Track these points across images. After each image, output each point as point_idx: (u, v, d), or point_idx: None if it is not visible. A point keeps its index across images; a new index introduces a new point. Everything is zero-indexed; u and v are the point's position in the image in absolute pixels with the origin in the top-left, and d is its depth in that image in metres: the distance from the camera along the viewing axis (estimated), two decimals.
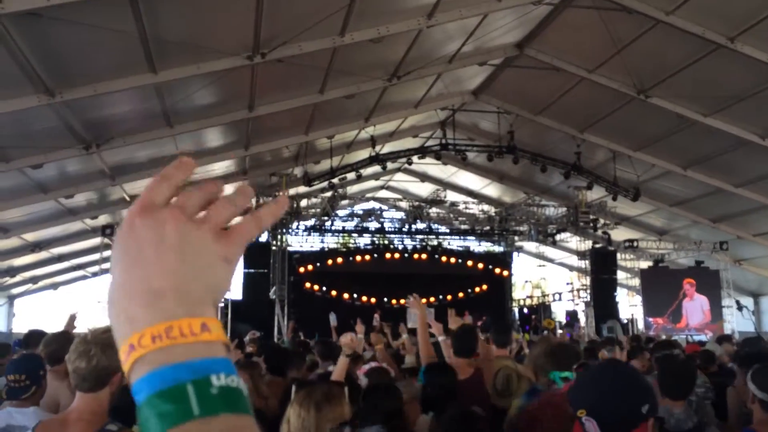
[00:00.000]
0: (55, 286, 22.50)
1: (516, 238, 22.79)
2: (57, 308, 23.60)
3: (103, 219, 16.74)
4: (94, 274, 17.69)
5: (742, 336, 13.67)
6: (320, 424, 2.36)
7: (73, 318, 6.09)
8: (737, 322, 19.06)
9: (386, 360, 5.76)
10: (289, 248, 19.33)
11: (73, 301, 23.15)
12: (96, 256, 16.98)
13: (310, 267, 20.36)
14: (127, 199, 16.12)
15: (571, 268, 25.17)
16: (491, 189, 22.17)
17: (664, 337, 14.84)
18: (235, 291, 18.03)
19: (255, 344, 10.01)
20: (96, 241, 17.09)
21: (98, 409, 2.26)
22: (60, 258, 19.28)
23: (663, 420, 3.22)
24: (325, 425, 2.36)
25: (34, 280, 20.81)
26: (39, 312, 22.16)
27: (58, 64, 9.27)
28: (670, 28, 10.88)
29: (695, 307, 19.65)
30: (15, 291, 21.44)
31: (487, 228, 21.16)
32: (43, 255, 18.06)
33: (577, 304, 21.47)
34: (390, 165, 18.27)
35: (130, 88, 10.18)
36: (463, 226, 21.42)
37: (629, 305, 22.97)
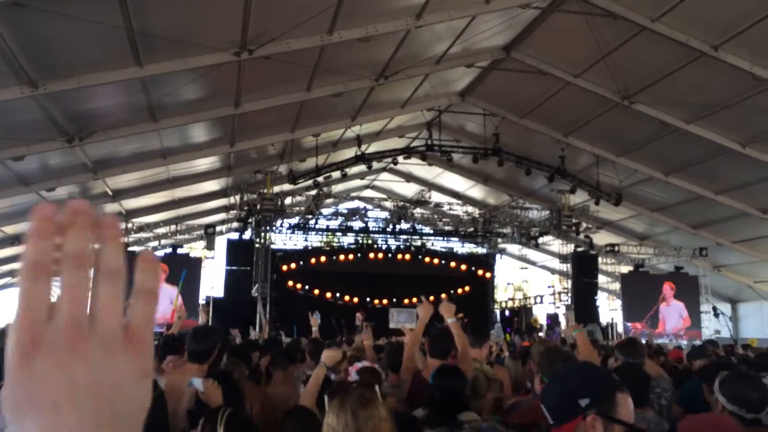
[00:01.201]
0: None
1: (499, 240, 22.90)
2: None
3: None
4: None
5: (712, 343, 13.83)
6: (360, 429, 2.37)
7: None
8: (715, 328, 19.32)
9: (375, 359, 5.75)
10: (272, 246, 19.26)
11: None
12: None
13: (293, 265, 20.31)
14: (110, 193, 15.98)
15: (553, 271, 25.37)
16: (476, 191, 22.27)
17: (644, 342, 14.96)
18: (218, 289, 17.97)
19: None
20: None
21: None
22: None
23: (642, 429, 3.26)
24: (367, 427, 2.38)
25: (13, 273, 20.55)
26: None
27: (43, 56, 9.16)
28: (656, 35, 11.00)
29: (673, 312, 19.88)
30: None
31: (471, 229, 21.26)
32: (22, 249, 17.80)
33: (558, 307, 21.63)
34: (375, 164, 18.29)
35: (115, 82, 10.09)
36: (447, 228, 21.50)
37: (609, 309, 23.19)
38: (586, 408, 1.92)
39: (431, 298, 5.08)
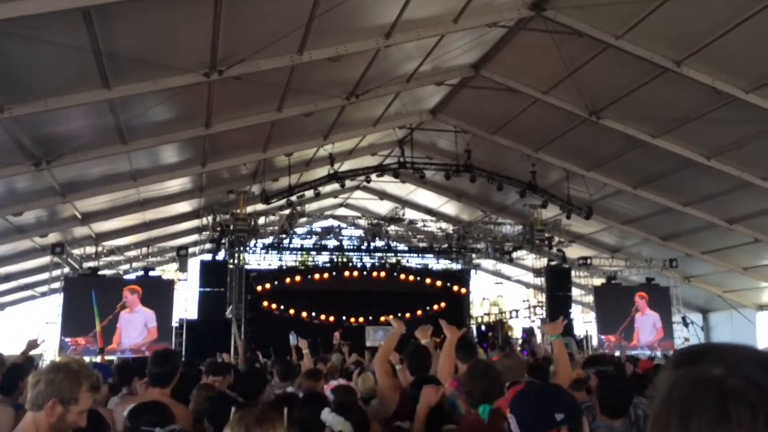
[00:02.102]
0: (1, 306, 21.74)
1: (474, 255, 23.02)
2: (3, 329, 22.80)
3: (53, 237, 16.30)
4: (43, 294, 17.17)
5: None
6: None
7: (31, 345, 6.17)
8: (684, 336, 19.59)
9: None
10: (246, 266, 19.11)
11: (20, 322, 22.44)
12: (45, 276, 16.50)
13: (267, 285, 20.16)
14: (79, 216, 15.75)
15: (527, 285, 25.51)
16: (449, 207, 22.39)
17: (618, 354, 15.10)
18: (191, 311, 17.75)
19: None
20: (45, 260, 16.61)
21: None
22: (7, 278, 18.68)
23: None
24: None
25: None
26: None
27: (8, 79, 9.05)
28: (620, 52, 11.23)
29: (646, 322, 20.09)
30: None
31: (445, 246, 21.33)
32: None
33: (533, 321, 21.74)
34: (349, 183, 18.30)
35: (83, 104, 9.99)
36: (421, 244, 21.55)
37: (584, 322, 23.36)
38: (561, 422, 1.97)
39: (407, 315, 5.08)
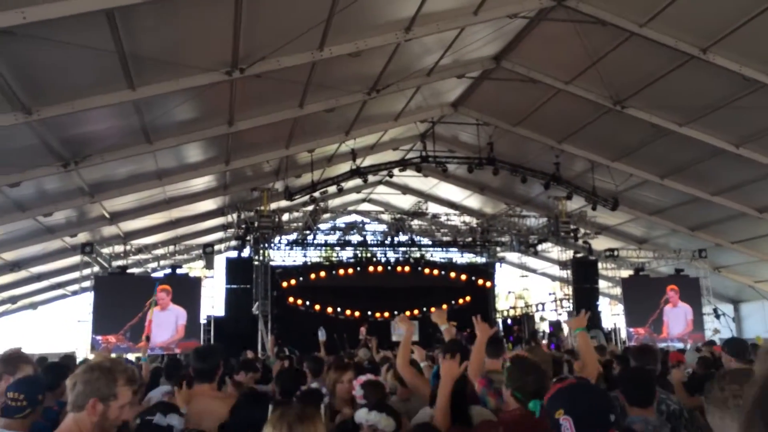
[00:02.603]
0: (34, 305, 22.20)
1: (498, 248, 22.91)
2: (36, 328, 23.32)
3: (82, 237, 16.59)
4: (74, 293, 17.48)
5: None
6: None
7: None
8: (714, 327, 19.28)
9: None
10: (271, 263, 19.25)
11: (52, 321, 22.91)
12: (76, 275, 16.80)
13: (293, 281, 20.31)
14: (107, 216, 16.00)
15: (553, 278, 25.33)
16: (472, 200, 22.30)
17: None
18: (218, 308, 17.94)
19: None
20: (75, 259, 16.91)
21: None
22: (39, 277, 19.05)
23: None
24: None
25: (13, 300, 20.51)
26: (18, 332, 21.87)
27: (35, 82, 9.22)
28: (644, 40, 11.06)
29: (678, 315, 19.79)
30: None
31: (469, 239, 21.25)
32: (22, 274, 17.83)
33: (560, 314, 21.58)
34: (371, 178, 18.31)
35: (108, 105, 10.14)
36: (445, 238, 21.50)
37: (611, 314, 23.14)
38: (614, 423, 2.01)
39: (432, 309, 5.09)
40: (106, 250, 17.17)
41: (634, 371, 3.80)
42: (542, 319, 24.03)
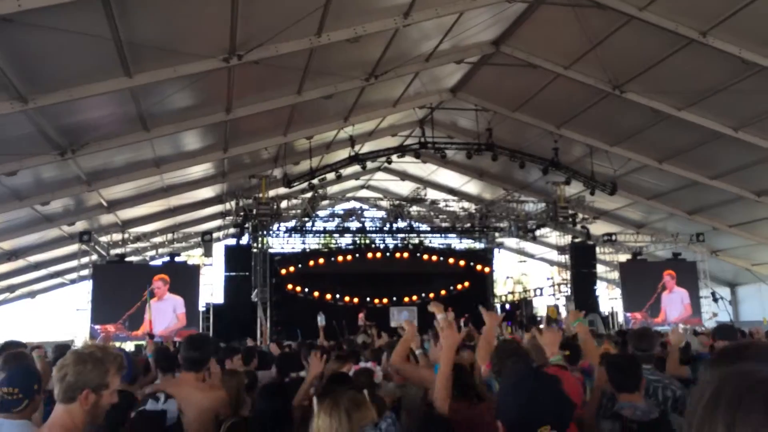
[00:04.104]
0: (32, 294, 22.17)
1: (497, 234, 22.92)
2: (35, 317, 23.32)
3: (80, 225, 16.54)
4: (72, 281, 17.45)
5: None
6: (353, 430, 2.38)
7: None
8: (713, 311, 19.35)
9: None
10: (270, 250, 19.25)
11: (51, 309, 22.91)
12: (74, 263, 16.77)
13: (291, 268, 20.32)
14: (105, 204, 15.95)
15: (551, 263, 25.39)
16: (471, 186, 22.27)
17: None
18: (217, 295, 17.95)
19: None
20: (73, 247, 16.87)
21: (69, 424, 2.42)
22: (37, 266, 19.01)
23: (626, 417, 3.30)
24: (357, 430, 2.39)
25: (11, 288, 20.49)
26: (17, 322, 21.88)
27: (31, 70, 9.14)
28: (644, 24, 11.00)
29: (675, 299, 19.89)
30: None
31: (468, 225, 21.26)
32: (19, 263, 17.79)
33: (558, 299, 21.66)
34: (370, 164, 18.28)
35: (105, 93, 10.06)
36: (443, 224, 21.50)
37: (609, 298, 23.22)
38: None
39: (431, 295, 5.08)
40: (104, 239, 17.14)
41: (618, 358, 3.85)
42: (553, 312, 23.86)
